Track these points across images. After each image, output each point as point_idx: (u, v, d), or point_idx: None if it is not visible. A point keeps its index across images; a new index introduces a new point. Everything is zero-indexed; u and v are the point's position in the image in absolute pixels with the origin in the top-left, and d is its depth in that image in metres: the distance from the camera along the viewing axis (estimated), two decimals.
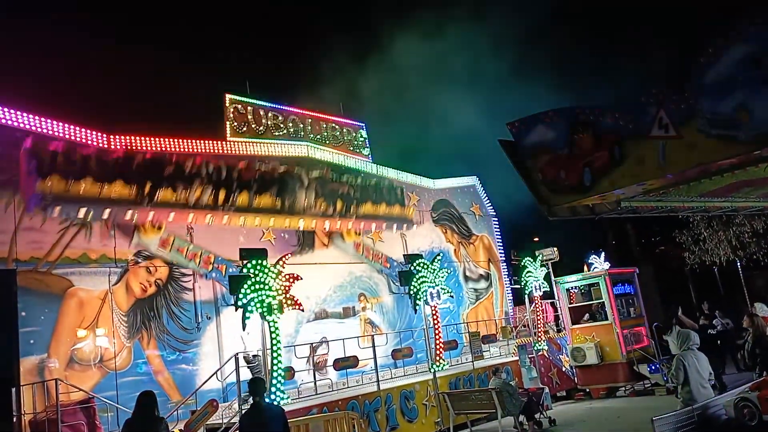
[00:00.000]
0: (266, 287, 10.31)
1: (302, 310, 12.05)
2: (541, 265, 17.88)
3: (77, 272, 12.65)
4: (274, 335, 10.41)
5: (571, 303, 17.96)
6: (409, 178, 20.74)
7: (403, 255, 15.97)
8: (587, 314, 17.49)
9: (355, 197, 17.04)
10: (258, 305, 10.20)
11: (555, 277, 18.66)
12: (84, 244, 12.84)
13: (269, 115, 17.17)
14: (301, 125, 17.93)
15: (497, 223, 23.33)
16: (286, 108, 17.77)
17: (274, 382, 10.25)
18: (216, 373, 11.97)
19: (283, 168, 15.75)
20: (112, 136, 13.68)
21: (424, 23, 35.31)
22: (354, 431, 10.54)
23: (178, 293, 14.12)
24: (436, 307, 13.93)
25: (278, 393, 10.24)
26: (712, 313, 16.96)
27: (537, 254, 18.28)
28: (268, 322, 10.38)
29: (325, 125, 18.67)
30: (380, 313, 18.37)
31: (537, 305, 17.38)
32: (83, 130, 13.22)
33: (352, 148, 19.25)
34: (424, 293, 13.53)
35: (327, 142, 18.53)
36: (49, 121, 12.75)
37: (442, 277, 14.11)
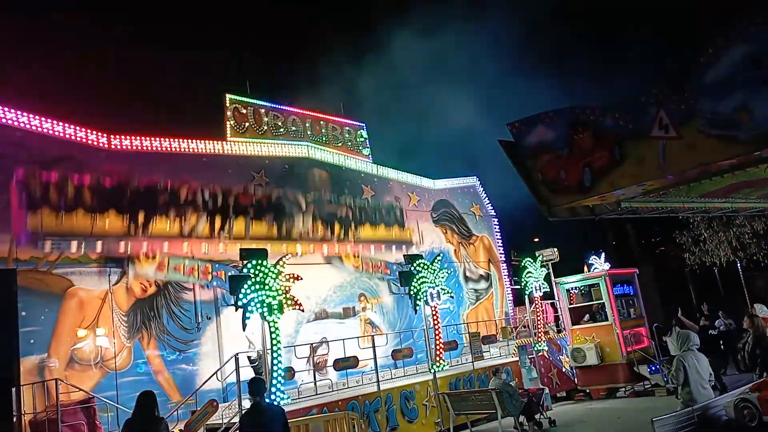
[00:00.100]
0: (266, 287, 10.31)
1: (302, 311, 12.05)
2: (541, 266, 17.87)
3: (77, 272, 12.65)
4: (274, 335, 10.41)
5: (571, 304, 17.96)
6: (409, 178, 20.77)
7: (403, 255, 15.96)
8: (587, 315, 17.49)
9: (353, 220, 17.02)
10: (258, 305, 10.20)
11: (555, 277, 18.66)
12: None
13: (269, 115, 17.19)
14: (302, 125, 17.94)
15: (497, 223, 23.33)
16: (286, 108, 17.79)
17: (275, 382, 10.25)
18: (216, 373, 11.96)
19: (279, 192, 15.61)
20: (111, 136, 13.69)
21: (423, 22, 35.33)
22: (354, 431, 10.53)
23: (178, 293, 14.12)
24: (436, 307, 13.92)
25: (278, 393, 10.24)
26: (712, 314, 16.96)
27: (537, 255, 18.28)
28: (268, 323, 10.38)
29: (325, 125, 18.69)
30: (380, 314, 18.36)
31: (537, 306, 17.37)
32: (83, 129, 13.23)
33: (352, 149, 19.26)
34: (424, 294, 13.52)
35: (327, 142, 18.54)
36: (48, 120, 12.76)
37: (442, 278, 14.11)
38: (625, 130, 8.42)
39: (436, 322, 13.90)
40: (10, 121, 12.29)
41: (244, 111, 16.65)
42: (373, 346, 12.98)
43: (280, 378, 10.38)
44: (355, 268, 17.94)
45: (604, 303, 16.97)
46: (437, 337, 13.74)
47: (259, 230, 15.13)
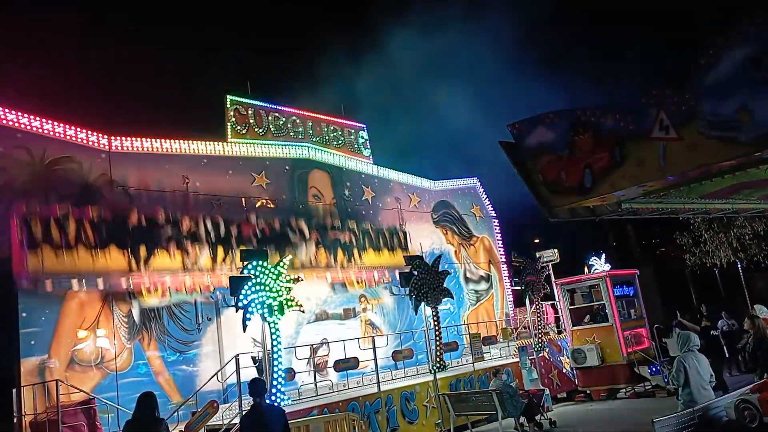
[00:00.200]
0: (267, 289, 10.31)
1: (303, 312, 12.05)
2: (542, 267, 17.86)
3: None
4: (274, 337, 10.41)
5: (571, 305, 17.95)
6: (409, 179, 20.78)
7: (404, 256, 15.97)
8: (588, 316, 17.48)
9: (356, 246, 16.94)
10: (258, 307, 10.21)
11: (555, 278, 18.65)
12: None
13: (270, 115, 17.19)
14: (302, 126, 17.95)
15: (498, 224, 23.33)
16: (287, 109, 17.80)
17: (275, 383, 10.25)
18: (216, 374, 11.97)
19: (280, 219, 15.50)
20: (112, 137, 13.70)
21: (424, 22, 35.39)
22: None
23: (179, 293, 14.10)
24: (436, 308, 13.91)
25: (279, 394, 10.24)
26: (712, 315, 16.96)
27: (537, 256, 18.27)
28: (269, 324, 10.38)
29: (326, 126, 18.69)
30: (381, 315, 18.36)
31: (537, 307, 17.36)
32: (83, 130, 13.24)
33: (353, 150, 19.27)
34: (425, 295, 13.52)
35: (328, 143, 18.55)
36: (48, 122, 12.78)
37: (443, 279, 14.10)
38: (626, 131, 8.42)
39: (436, 323, 13.90)
40: (10, 122, 12.30)
41: (245, 112, 16.65)
42: (374, 347, 12.98)
43: (280, 379, 10.39)
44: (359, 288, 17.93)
45: (604, 304, 16.97)
46: (438, 338, 13.74)
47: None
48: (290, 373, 12.18)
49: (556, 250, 19.83)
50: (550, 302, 19.37)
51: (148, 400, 6.54)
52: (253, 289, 10.21)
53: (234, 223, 14.89)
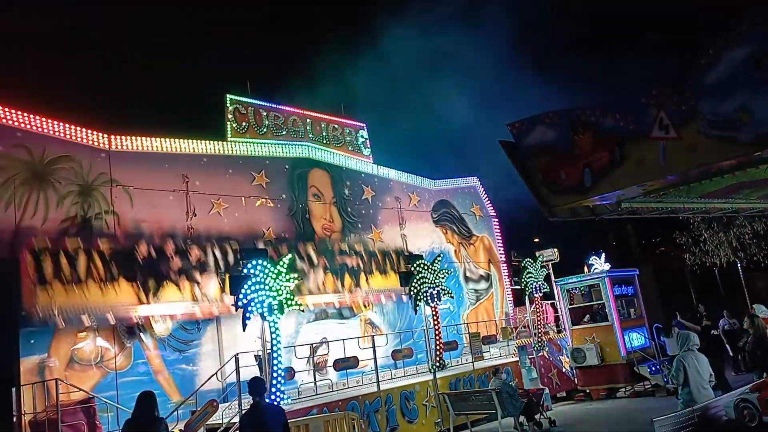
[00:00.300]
0: (266, 287, 10.31)
1: (303, 311, 12.04)
2: (542, 266, 17.88)
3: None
4: (274, 336, 10.41)
5: (571, 304, 17.96)
6: (409, 178, 20.78)
7: (404, 256, 15.98)
8: (587, 315, 17.49)
9: (363, 270, 16.91)
10: (258, 306, 10.20)
11: (555, 278, 18.65)
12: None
13: (270, 115, 17.19)
14: (302, 125, 17.95)
15: (497, 223, 23.34)
16: (286, 108, 17.79)
17: (275, 382, 10.25)
18: (216, 373, 11.97)
19: (287, 246, 15.26)
20: (112, 136, 13.70)
21: (424, 21, 35.34)
22: (354, 431, 10.54)
23: None
24: (436, 307, 13.93)
25: (278, 393, 10.24)
26: (712, 315, 16.97)
27: (537, 255, 18.27)
28: (269, 323, 10.38)
29: (325, 125, 18.69)
30: (380, 314, 18.36)
31: (537, 306, 17.38)
32: (83, 129, 13.24)
33: (352, 149, 19.27)
34: (425, 294, 13.54)
35: (328, 142, 18.55)
36: (49, 121, 12.77)
37: (443, 278, 14.12)
38: (626, 130, 8.43)
39: (436, 322, 13.91)
40: (10, 121, 12.30)
41: (245, 111, 16.65)
42: (373, 347, 12.98)
43: (280, 378, 10.39)
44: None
45: (604, 303, 16.98)
46: (437, 338, 13.75)
47: None
48: (290, 372, 12.18)
49: (556, 250, 19.85)
50: (549, 301, 19.37)
51: (148, 399, 6.54)
52: (252, 288, 10.21)
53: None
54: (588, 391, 16.87)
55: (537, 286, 17.12)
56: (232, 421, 10.00)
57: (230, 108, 16.34)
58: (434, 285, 13.74)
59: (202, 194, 14.85)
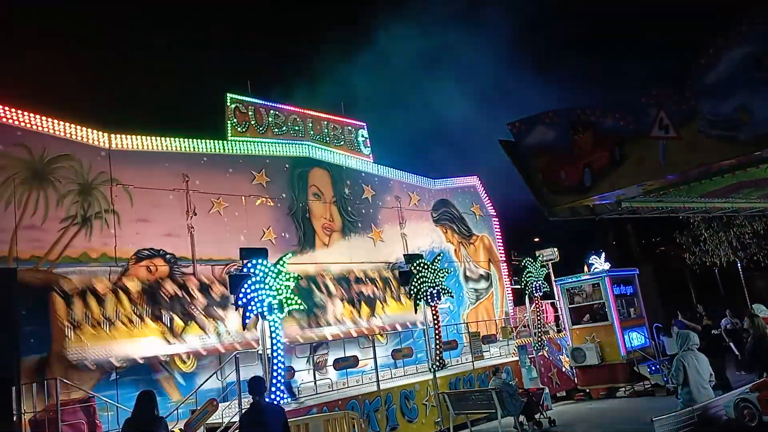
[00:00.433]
0: (266, 287, 10.31)
1: (303, 310, 12.04)
2: (542, 266, 17.88)
3: (78, 271, 12.65)
4: (274, 335, 10.41)
5: (571, 303, 17.96)
6: (409, 178, 20.78)
7: (403, 255, 15.97)
8: (587, 315, 17.49)
9: (377, 297, 16.86)
10: (258, 305, 10.20)
11: (555, 277, 18.65)
12: (84, 243, 12.84)
13: (270, 114, 17.19)
14: (302, 124, 17.95)
15: (497, 223, 23.34)
16: (287, 107, 17.81)
17: (275, 381, 10.25)
18: (216, 372, 11.97)
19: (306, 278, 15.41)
20: (112, 135, 13.71)
21: (424, 20, 35.30)
22: (354, 431, 10.53)
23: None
24: (436, 307, 13.93)
25: (278, 393, 10.24)
26: (713, 314, 16.96)
27: (537, 254, 18.27)
28: (269, 322, 10.38)
29: (326, 124, 18.70)
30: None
31: (537, 306, 17.38)
32: (83, 128, 13.24)
33: (353, 148, 19.27)
34: (425, 293, 13.53)
35: (328, 141, 18.55)
36: (48, 120, 12.77)
37: (443, 278, 14.12)
38: (626, 130, 8.42)
39: (436, 321, 13.91)
40: (10, 120, 12.30)
41: (245, 110, 16.66)
42: (373, 346, 12.98)
43: (280, 378, 10.38)
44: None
45: (604, 303, 16.98)
46: (437, 337, 13.75)
47: (288, 322, 14.24)
48: (290, 371, 12.17)
49: (555, 249, 19.84)
50: (549, 301, 19.37)
51: (148, 399, 6.54)
52: (253, 287, 10.21)
53: None
54: (588, 390, 16.87)
55: (537, 285, 17.13)
56: (232, 421, 10.00)
57: (231, 106, 16.35)
58: (434, 284, 13.74)
59: (203, 193, 14.86)
